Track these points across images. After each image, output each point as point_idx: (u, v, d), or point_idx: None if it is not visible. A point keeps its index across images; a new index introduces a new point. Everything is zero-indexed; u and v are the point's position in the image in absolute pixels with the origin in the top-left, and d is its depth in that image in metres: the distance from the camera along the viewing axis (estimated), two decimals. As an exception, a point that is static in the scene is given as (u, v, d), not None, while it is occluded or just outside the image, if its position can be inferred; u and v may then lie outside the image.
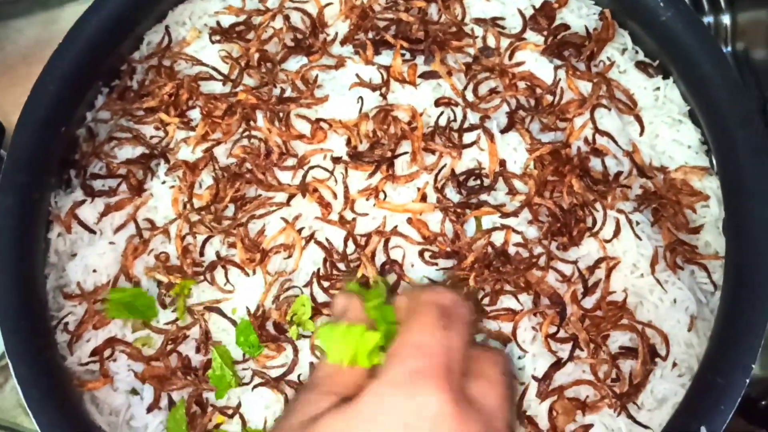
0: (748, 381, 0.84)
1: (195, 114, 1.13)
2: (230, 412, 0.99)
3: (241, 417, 0.98)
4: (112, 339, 1.02)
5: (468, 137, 1.08)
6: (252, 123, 1.10)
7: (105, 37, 1.11)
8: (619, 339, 1.01)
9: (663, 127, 1.12)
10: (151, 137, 1.13)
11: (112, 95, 1.16)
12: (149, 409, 0.99)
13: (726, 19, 1.51)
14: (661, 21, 1.04)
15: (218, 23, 1.20)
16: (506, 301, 1.01)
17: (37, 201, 1.02)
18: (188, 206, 1.07)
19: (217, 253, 1.05)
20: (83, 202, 1.08)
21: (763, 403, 1.32)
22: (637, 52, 1.18)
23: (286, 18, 1.19)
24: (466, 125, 1.09)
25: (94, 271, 1.06)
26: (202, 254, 1.05)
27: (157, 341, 1.03)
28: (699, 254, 1.05)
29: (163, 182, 1.10)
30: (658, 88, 1.14)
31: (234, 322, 1.02)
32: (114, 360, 1.02)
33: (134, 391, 1.01)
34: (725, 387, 0.84)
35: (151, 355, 1.01)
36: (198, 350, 1.02)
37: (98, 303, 1.03)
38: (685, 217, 1.07)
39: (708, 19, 1.51)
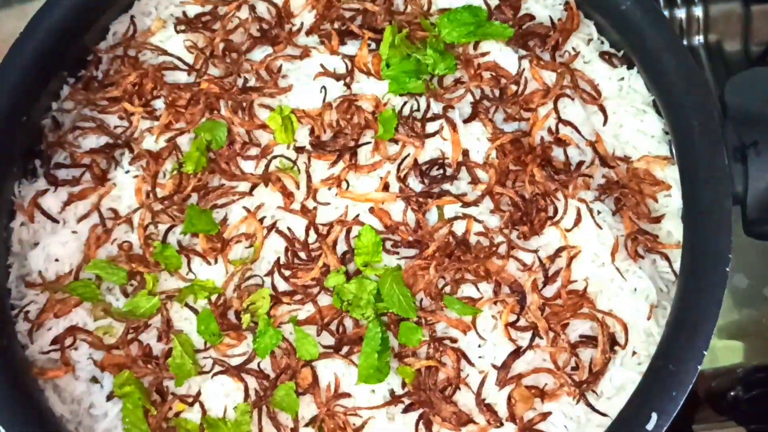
0: (699, 367, 0.85)
1: (159, 104, 1.13)
2: (190, 400, 0.99)
3: (201, 405, 0.99)
4: (73, 327, 1.02)
5: (431, 127, 1.08)
6: (216, 112, 1.10)
7: (67, 27, 1.12)
8: (579, 328, 1.01)
9: (627, 117, 1.12)
10: (116, 127, 1.13)
11: (76, 85, 1.16)
12: (109, 397, 0.99)
13: (698, 11, 1.52)
14: (621, 10, 1.04)
15: (184, 13, 1.20)
16: (467, 290, 1.02)
17: (-1, 190, 1.03)
18: (151, 196, 1.07)
19: (179, 242, 1.05)
20: (46, 191, 1.09)
21: (732, 394, 1.33)
22: (602, 42, 1.18)
23: (252, 8, 1.19)
24: (429, 115, 1.09)
25: (56, 260, 1.06)
26: (164, 243, 1.05)
27: (119, 330, 1.03)
28: (660, 243, 1.05)
29: (127, 172, 1.10)
30: (622, 79, 1.14)
31: (195, 311, 1.02)
32: (75, 348, 1.03)
33: (94, 380, 1.01)
34: (677, 374, 0.85)
35: (112, 344, 1.02)
36: (160, 339, 1.02)
37: (59, 292, 1.03)
38: (647, 207, 1.07)
39: (681, 11, 1.52)
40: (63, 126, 1.15)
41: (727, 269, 0.88)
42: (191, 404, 0.99)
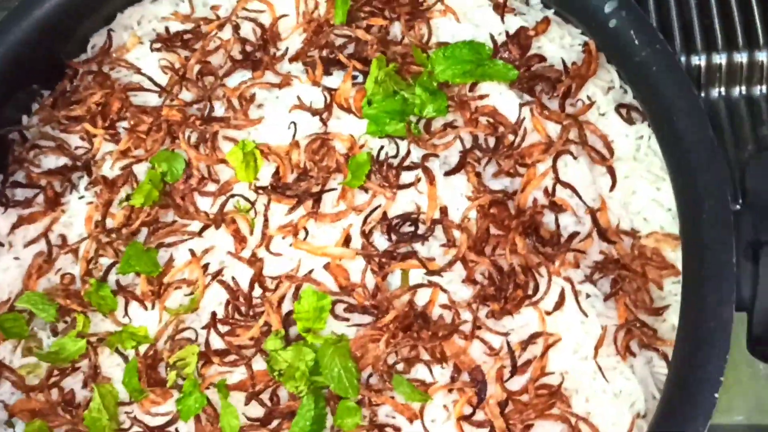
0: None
1: (125, 126, 1.05)
2: (105, 458, 0.91)
3: (116, 466, 0.90)
4: (-1, 364, 0.96)
5: (407, 176, 0.96)
6: (177, 141, 1.01)
7: (38, 38, 1.05)
8: (547, 430, 0.86)
9: (641, 183, 0.96)
10: (76, 148, 1.06)
11: (47, 99, 1.10)
12: (19, 446, 0.92)
13: (763, 57, 1.31)
14: (635, 62, 0.88)
15: (167, 29, 1.11)
16: (421, 371, 0.89)
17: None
18: (100, 226, 1.00)
19: (118, 282, 0.97)
20: (-4, 211, 1.03)
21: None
22: (625, 92, 1.02)
23: (236, 28, 1.09)
24: (406, 163, 0.96)
25: (-5, 286, 1.00)
26: (104, 280, 0.97)
27: (45, 369, 0.96)
28: (659, 339, 0.89)
29: (81, 197, 1.03)
30: (641, 137, 0.98)
31: (126, 359, 0.94)
32: (-2, 386, 0.96)
33: (10, 424, 0.94)
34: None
35: (34, 386, 0.94)
36: (85, 385, 0.95)
37: (-10, 322, 0.97)
38: (649, 294, 0.91)
39: (742, 56, 1.32)
40: (27, 141, 1.09)
41: (716, 395, 0.71)
42: (104, 464, 0.90)
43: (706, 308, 0.75)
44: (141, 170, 1.02)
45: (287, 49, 1.08)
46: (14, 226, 1.03)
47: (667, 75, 0.85)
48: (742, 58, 1.32)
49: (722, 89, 1.30)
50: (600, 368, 0.86)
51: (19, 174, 1.07)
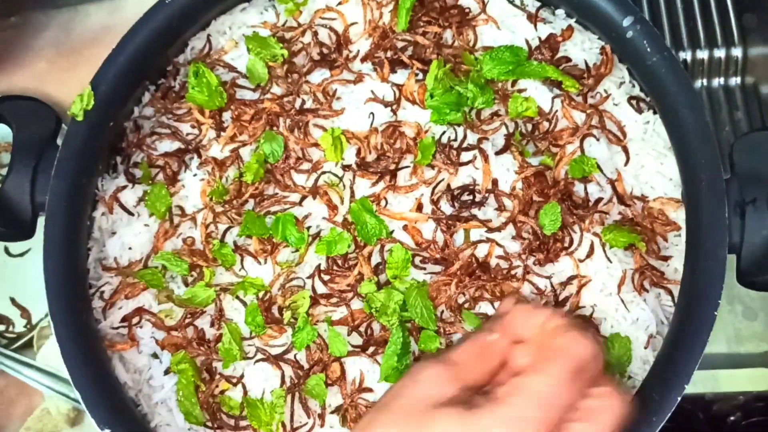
0: (680, 398, 0.95)
1: (227, 116, 1.27)
2: (234, 381, 1.14)
3: (243, 386, 1.14)
4: (140, 308, 1.18)
5: (465, 156, 1.20)
6: (275, 128, 1.24)
7: (154, 43, 1.26)
8: (582, 349, 1.12)
9: (648, 159, 1.22)
10: (187, 134, 1.28)
11: (156, 93, 1.31)
12: (166, 372, 1.15)
13: (738, 52, 1.58)
14: (647, 65, 1.13)
15: (255, 34, 1.33)
16: (484, 307, 1.14)
17: (85, 185, 1.19)
18: (214, 198, 1.22)
19: (235, 242, 1.20)
20: (125, 187, 1.24)
21: (731, 419, 1.42)
22: (633, 86, 1.27)
23: (315, 34, 1.31)
24: (465, 145, 1.20)
25: (130, 248, 1.22)
26: (222, 242, 1.20)
27: (179, 314, 1.19)
28: (666, 279, 1.15)
29: (194, 175, 1.25)
30: (647, 122, 1.24)
31: (244, 303, 1.17)
32: (140, 327, 1.19)
33: (155, 355, 1.17)
34: (659, 402, 0.95)
35: (172, 326, 1.17)
36: (212, 325, 1.18)
37: (130, 277, 1.19)
38: (657, 245, 1.17)
39: (720, 52, 1.58)
40: (142, 129, 1.30)
41: (715, 313, 0.98)
42: (235, 384, 1.14)
43: (706, 250, 1.01)
44: (244, 152, 1.24)
45: (358, 51, 1.31)
46: (141, 199, 1.24)
47: (673, 76, 1.11)
48: (720, 53, 1.59)
49: (704, 80, 1.56)
50: (623, 301, 1.12)
51: (138, 156, 1.28)
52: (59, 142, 1.19)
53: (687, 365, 0.96)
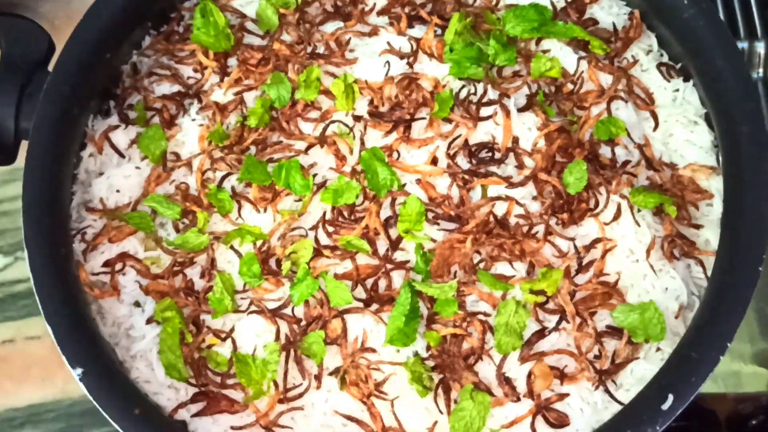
0: (722, 358, 0.86)
1: (232, 62, 1.19)
2: (223, 335, 1.03)
3: (233, 341, 1.03)
4: (124, 254, 1.08)
5: (485, 111, 1.12)
6: (284, 74, 1.16)
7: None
8: (606, 318, 1.03)
9: (678, 127, 1.15)
10: (188, 78, 1.20)
11: (158, 37, 1.23)
12: (148, 321, 1.04)
13: (761, 48, 1.53)
14: (684, 18, 1.07)
15: (265, -17, 1.27)
16: (501, 268, 1.05)
17: (76, 116, 1.09)
18: (213, 143, 1.13)
19: (233, 188, 1.11)
20: (117, 127, 1.15)
21: (753, 422, 1.32)
22: (662, 54, 1.21)
23: (330, -17, 1.25)
24: (485, 100, 1.13)
25: (118, 191, 1.12)
26: (219, 188, 1.10)
27: (166, 262, 1.08)
28: (697, 249, 1.07)
29: (193, 120, 1.16)
30: (677, 90, 1.17)
31: (239, 254, 1.07)
32: (124, 274, 1.08)
33: (137, 304, 1.07)
34: (699, 361, 0.86)
35: (158, 273, 1.07)
36: (202, 276, 1.07)
37: (116, 220, 1.09)
38: (688, 213, 1.09)
39: (743, 45, 1.53)
40: (140, 73, 1.22)
41: (760, 269, 0.89)
42: (224, 339, 1.03)
43: (745, 205, 0.93)
44: (248, 98, 1.16)
45: (374, 4, 1.24)
46: (134, 141, 1.15)
47: (711, 27, 1.05)
48: (743, 47, 1.54)
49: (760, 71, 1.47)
50: (651, 267, 1.03)
51: (134, 98, 1.20)
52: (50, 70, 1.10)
53: (730, 321, 0.87)
